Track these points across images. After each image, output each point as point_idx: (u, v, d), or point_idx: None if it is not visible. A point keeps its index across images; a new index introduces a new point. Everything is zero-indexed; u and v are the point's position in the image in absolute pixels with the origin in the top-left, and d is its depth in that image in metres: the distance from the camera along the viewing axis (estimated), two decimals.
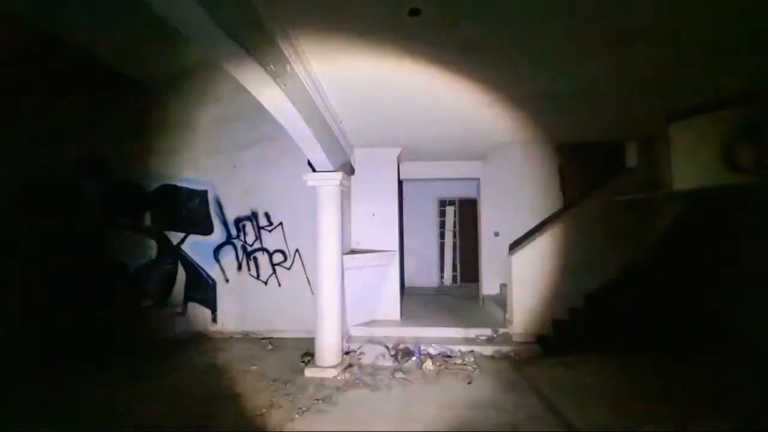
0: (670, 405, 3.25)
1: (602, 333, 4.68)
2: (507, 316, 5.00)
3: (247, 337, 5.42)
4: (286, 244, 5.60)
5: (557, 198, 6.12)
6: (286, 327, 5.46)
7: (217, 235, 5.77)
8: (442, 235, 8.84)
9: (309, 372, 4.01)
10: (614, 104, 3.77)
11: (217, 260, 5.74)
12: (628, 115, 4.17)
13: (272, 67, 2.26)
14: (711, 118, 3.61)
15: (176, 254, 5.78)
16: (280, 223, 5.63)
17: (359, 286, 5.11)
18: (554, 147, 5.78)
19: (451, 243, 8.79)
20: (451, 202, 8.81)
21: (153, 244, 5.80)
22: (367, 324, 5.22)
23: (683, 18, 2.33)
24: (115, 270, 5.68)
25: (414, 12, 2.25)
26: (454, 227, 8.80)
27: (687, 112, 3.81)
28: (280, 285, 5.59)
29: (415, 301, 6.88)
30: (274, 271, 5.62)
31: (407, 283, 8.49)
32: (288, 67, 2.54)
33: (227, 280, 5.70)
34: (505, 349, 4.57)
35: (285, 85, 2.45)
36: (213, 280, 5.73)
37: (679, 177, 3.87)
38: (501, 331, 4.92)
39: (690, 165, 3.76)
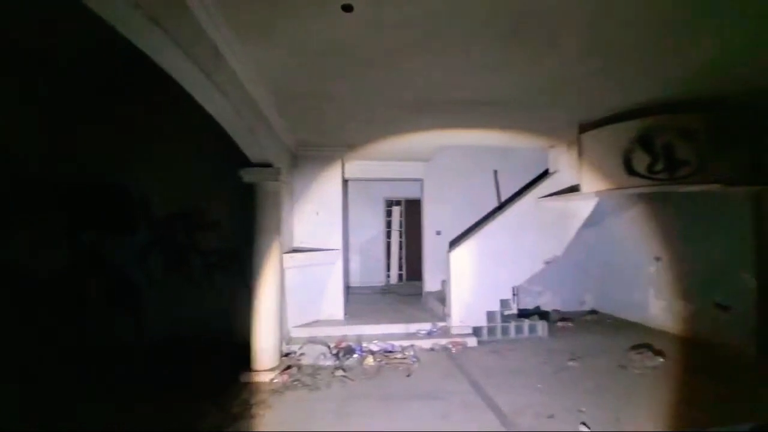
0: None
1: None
2: (446, 310, 5.23)
3: (176, 345, 4.98)
4: (223, 244, 5.27)
5: (493, 198, 6.59)
6: (221, 331, 5.13)
7: (143, 235, 5.24)
8: (388, 235, 8.98)
9: (244, 377, 3.81)
10: (537, 112, 4.14)
11: (143, 262, 5.21)
12: (551, 124, 4.61)
13: (195, 52, 2.12)
14: (613, 129, 4.14)
15: (93, 257, 5.14)
16: (216, 222, 5.28)
17: (301, 285, 5.00)
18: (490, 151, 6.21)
19: (398, 242, 8.98)
20: (398, 203, 8.99)
21: (64, 245, 5.10)
22: (309, 324, 5.12)
23: (589, 38, 2.64)
24: (15, 276, 4.89)
25: (347, 8, 2.27)
26: (401, 227, 8.99)
27: (595, 123, 4.32)
28: (214, 287, 5.24)
29: (360, 299, 6.90)
30: (209, 272, 5.26)
31: (354, 283, 8.49)
32: (215, 52, 2.40)
33: (154, 284, 5.20)
34: (443, 341, 4.78)
35: (211, 72, 2.31)
36: (137, 284, 5.19)
37: (587, 181, 4.38)
38: (440, 324, 5.14)
39: (596, 170, 4.27)
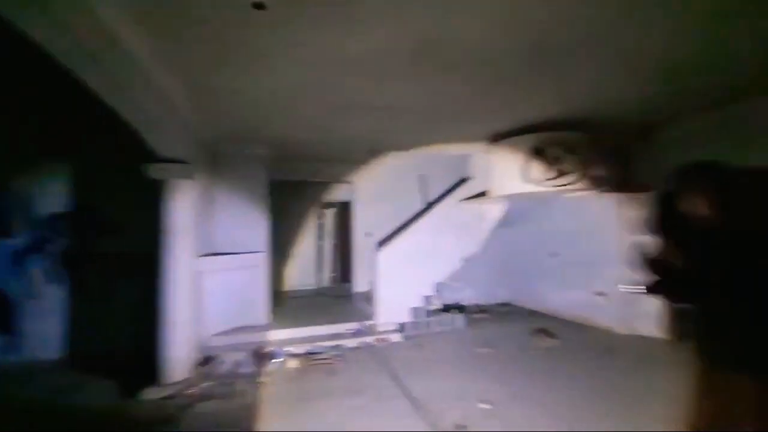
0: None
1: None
2: (373, 308, 5.37)
3: (66, 365, 4.33)
4: (126, 248, 4.73)
5: (419, 201, 6.95)
6: (124, 345, 4.59)
7: (22, 237, 4.48)
8: (321, 237, 8.90)
9: (148, 393, 3.47)
10: (451, 122, 4.49)
11: (21, 270, 4.45)
12: (466, 133, 5.03)
13: (79, 31, 1.92)
14: (515, 141, 4.70)
15: None
16: (117, 222, 4.73)
17: (222, 290, 4.72)
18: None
19: (331, 245, 8.94)
20: (331, 205, 8.96)
21: None
22: (231, 331, 4.84)
23: (479, 64, 2.98)
24: None
25: (258, 5, 2.26)
26: (333, 229, 8.97)
27: (502, 135, 4.86)
28: (116, 297, 4.68)
29: (290, 303, 6.72)
30: (109, 281, 4.68)
31: (285, 287, 8.23)
32: (107, 35, 2.20)
33: (37, 295, 4.47)
34: (369, 339, 4.90)
35: (99, 54, 2.11)
36: (13, 296, 4.41)
37: (496, 186, 4.90)
38: (367, 323, 5.26)
39: (503, 176, 4.80)
